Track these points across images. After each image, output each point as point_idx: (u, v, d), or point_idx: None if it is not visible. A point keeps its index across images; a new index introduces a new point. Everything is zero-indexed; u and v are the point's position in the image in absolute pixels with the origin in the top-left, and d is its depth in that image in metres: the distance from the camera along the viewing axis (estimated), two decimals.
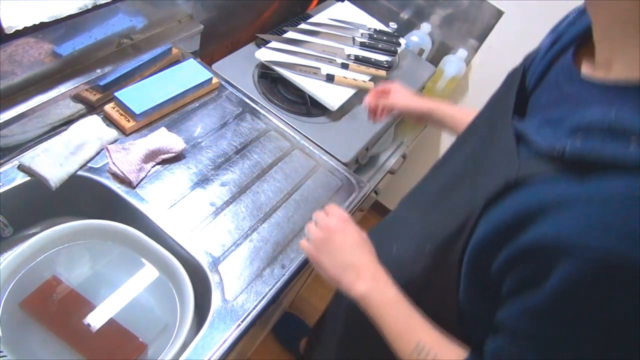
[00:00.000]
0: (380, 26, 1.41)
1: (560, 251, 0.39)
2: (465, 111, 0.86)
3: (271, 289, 0.80)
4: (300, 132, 1.07)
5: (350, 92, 1.18)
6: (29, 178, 0.78)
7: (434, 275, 0.57)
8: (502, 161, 0.48)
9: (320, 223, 0.67)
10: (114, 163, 0.83)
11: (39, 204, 0.82)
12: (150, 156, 0.87)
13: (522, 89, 0.55)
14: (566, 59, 0.50)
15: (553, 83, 0.51)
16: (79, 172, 0.82)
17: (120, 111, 0.91)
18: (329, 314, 0.97)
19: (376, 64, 1.26)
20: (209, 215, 0.85)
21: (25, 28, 0.70)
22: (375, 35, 1.35)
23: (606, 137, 0.39)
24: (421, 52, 1.52)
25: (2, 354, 0.64)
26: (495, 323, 0.47)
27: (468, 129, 0.66)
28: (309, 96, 1.16)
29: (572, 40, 0.51)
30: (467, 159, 0.58)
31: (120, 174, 0.82)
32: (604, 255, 0.36)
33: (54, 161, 0.78)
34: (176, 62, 1.04)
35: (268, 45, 1.21)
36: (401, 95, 0.94)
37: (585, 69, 0.47)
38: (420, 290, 0.59)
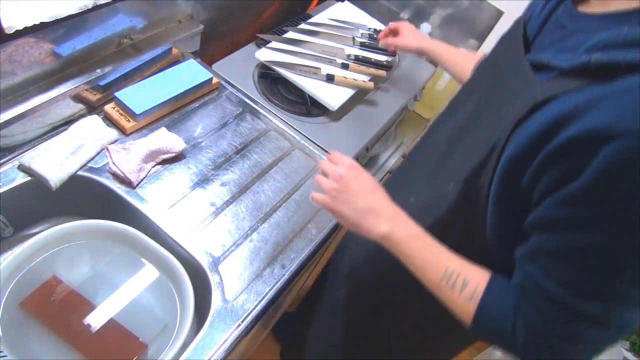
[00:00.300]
0: (380, 26, 1.41)
1: (601, 138, 0.42)
2: (461, 54, 1.00)
3: (271, 289, 0.80)
4: (300, 132, 1.07)
5: (350, 92, 1.18)
6: (29, 178, 0.78)
7: (460, 210, 0.60)
8: (524, 90, 0.52)
9: (331, 174, 0.67)
10: (114, 163, 0.83)
11: (39, 204, 0.82)
12: (150, 156, 0.87)
13: (524, 39, 0.59)
14: (566, 6, 0.55)
15: (555, 26, 0.55)
16: (79, 172, 0.82)
17: (120, 111, 0.91)
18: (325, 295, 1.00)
19: (376, 64, 1.26)
20: (209, 215, 0.85)
21: (25, 28, 0.70)
22: (375, 35, 1.35)
23: (622, 48, 0.44)
24: None
25: (2, 354, 0.64)
26: (530, 225, 0.50)
27: (471, 80, 0.72)
28: (309, 96, 1.16)
29: None
30: (479, 102, 0.63)
31: (121, 174, 0.82)
32: None
33: (54, 161, 0.78)
34: (176, 62, 1.04)
35: (268, 45, 1.21)
36: (405, 36, 1.12)
37: (585, 8, 0.52)
38: (444, 231, 0.62)
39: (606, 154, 0.42)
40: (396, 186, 0.79)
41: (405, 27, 1.14)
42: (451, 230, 0.62)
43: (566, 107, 0.45)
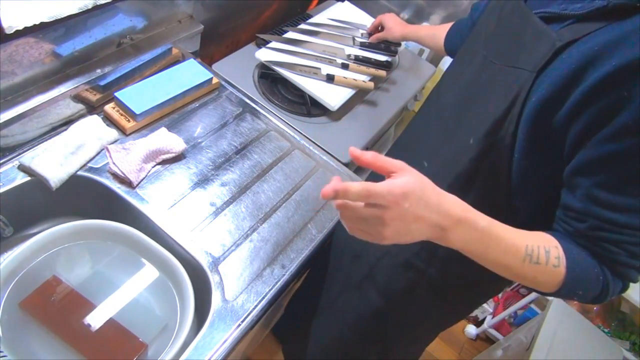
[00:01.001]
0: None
1: (638, 69, 0.44)
2: (436, 27, 1.08)
3: (271, 289, 0.80)
4: (300, 132, 1.07)
5: (350, 92, 1.18)
6: (29, 178, 0.78)
7: (484, 161, 0.61)
8: (539, 40, 0.54)
9: (380, 200, 0.51)
10: (114, 163, 0.83)
11: (39, 204, 0.82)
12: (150, 156, 0.87)
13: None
14: None
15: None
16: (79, 172, 0.82)
17: (121, 111, 0.91)
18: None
19: (376, 64, 1.26)
20: (209, 215, 0.85)
21: (25, 28, 0.70)
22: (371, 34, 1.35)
23: None
24: (421, 52, 1.52)
25: (2, 354, 0.64)
26: (577, 169, 0.52)
27: (470, 45, 0.74)
28: (309, 96, 1.16)
29: None
30: (485, 61, 0.64)
31: (121, 174, 0.82)
32: None
33: (54, 161, 0.78)
34: (176, 62, 1.04)
35: (268, 45, 1.21)
36: (389, 29, 1.23)
37: None
38: (468, 183, 0.64)
39: None
40: (404, 157, 0.73)
41: (388, 19, 1.23)
42: (475, 182, 0.64)
43: (593, 47, 0.48)
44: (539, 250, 0.55)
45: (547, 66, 0.52)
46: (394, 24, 1.22)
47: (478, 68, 0.67)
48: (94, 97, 0.89)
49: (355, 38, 1.31)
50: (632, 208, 0.51)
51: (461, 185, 0.65)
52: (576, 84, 0.49)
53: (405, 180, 0.50)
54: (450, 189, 0.59)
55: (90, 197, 0.84)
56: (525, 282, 0.58)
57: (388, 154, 0.83)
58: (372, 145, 1.24)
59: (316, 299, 1.01)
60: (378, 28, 1.27)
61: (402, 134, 0.90)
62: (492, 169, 0.62)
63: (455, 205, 0.54)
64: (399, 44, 1.36)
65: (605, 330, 1.67)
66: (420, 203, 0.51)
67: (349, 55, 1.25)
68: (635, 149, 0.48)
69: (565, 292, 0.56)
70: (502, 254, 0.56)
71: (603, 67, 0.47)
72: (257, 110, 1.07)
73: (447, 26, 1.07)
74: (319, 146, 1.06)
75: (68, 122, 0.86)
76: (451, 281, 0.78)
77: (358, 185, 0.49)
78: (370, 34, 1.29)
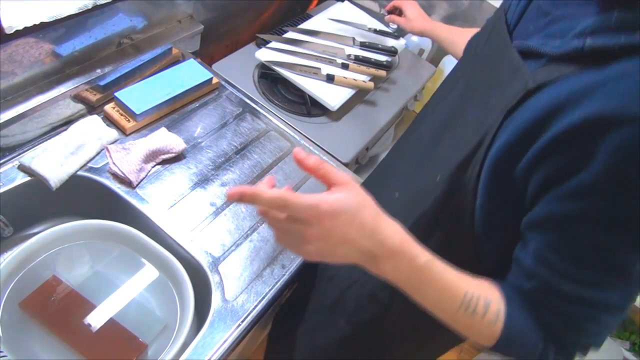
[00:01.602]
0: (380, 26, 1.41)
1: (606, 125, 0.41)
2: (458, 33, 1.02)
3: (271, 289, 0.80)
4: (300, 132, 1.07)
5: (350, 92, 1.18)
6: (29, 178, 0.78)
7: (448, 203, 0.57)
8: (513, 78, 0.50)
9: (303, 217, 0.47)
10: (114, 163, 0.83)
11: (39, 204, 0.82)
12: (150, 156, 0.87)
13: (507, 26, 0.58)
14: None
15: (538, 13, 0.54)
16: (79, 172, 0.82)
17: (120, 111, 0.91)
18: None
19: (376, 64, 1.26)
20: (209, 215, 0.85)
21: (25, 28, 0.70)
22: (375, 35, 1.35)
23: (614, 31, 0.43)
24: (421, 52, 1.52)
25: (2, 354, 0.64)
26: (530, 224, 0.49)
27: (456, 69, 0.70)
28: (309, 96, 1.16)
29: None
30: (465, 91, 0.61)
31: (121, 174, 0.82)
32: None
33: (54, 161, 0.78)
34: (176, 62, 1.04)
35: (268, 45, 1.21)
36: (409, 19, 1.14)
37: None
38: (431, 226, 0.59)
39: (614, 141, 0.40)
40: (380, 182, 0.75)
41: (411, 7, 1.15)
42: (438, 225, 0.59)
43: (561, 94, 0.44)
44: (479, 300, 0.50)
45: (516, 109, 0.48)
46: (417, 16, 1.13)
47: (459, 95, 0.63)
48: (94, 97, 0.89)
49: (355, 38, 1.31)
50: (586, 280, 0.46)
51: (425, 225, 0.60)
52: (539, 134, 0.45)
53: (340, 197, 0.46)
54: (415, 226, 0.57)
55: (90, 197, 0.84)
56: (458, 329, 0.53)
57: (376, 169, 0.81)
58: (372, 145, 1.23)
59: (295, 314, 0.93)
60: (396, 9, 1.19)
61: (389, 153, 0.84)
62: (456, 213, 0.56)
63: (394, 234, 0.49)
64: (398, 45, 1.36)
65: None
66: (351, 225, 0.46)
67: (349, 55, 1.25)
68: (592, 213, 0.43)
69: (498, 350, 0.52)
70: (438, 295, 0.51)
71: (567, 118, 0.43)
72: (257, 110, 1.07)
73: (468, 33, 0.98)
74: (319, 146, 1.06)
75: (68, 122, 0.86)
76: (418, 319, 0.62)
77: (274, 192, 0.45)
78: (388, 13, 1.21)
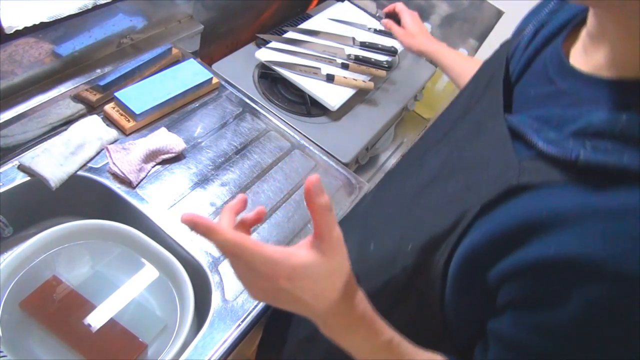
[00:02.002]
0: (380, 26, 1.41)
1: (586, 271, 0.35)
2: (466, 63, 0.90)
3: None
4: (300, 132, 1.07)
5: (350, 92, 1.18)
6: (29, 178, 0.78)
7: (416, 277, 0.51)
8: (498, 160, 0.44)
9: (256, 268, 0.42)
10: (114, 163, 0.83)
11: (39, 204, 0.82)
12: (150, 156, 0.87)
13: (506, 79, 0.52)
14: (554, 48, 0.48)
15: (542, 75, 0.48)
16: (79, 172, 0.82)
17: (120, 111, 0.91)
18: None
19: (376, 64, 1.26)
20: (209, 216, 0.85)
21: (25, 28, 0.70)
22: (375, 35, 1.35)
23: (619, 144, 0.36)
24: None
25: (2, 354, 0.64)
26: (494, 333, 0.44)
27: (446, 117, 0.62)
28: (309, 96, 1.16)
29: (558, 29, 0.50)
30: (452, 152, 0.54)
31: (120, 174, 0.82)
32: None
33: (54, 161, 0.78)
34: (176, 62, 1.04)
35: (268, 45, 1.21)
36: (408, 34, 1.01)
37: (577, 61, 0.45)
38: (401, 292, 0.53)
39: (591, 293, 0.35)
40: (358, 227, 0.67)
41: (411, 19, 1.01)
42: (408, 296, 0.54)
43: (543, 209, 0.38)
44: None
45: (493, 205, 0.42)
46: (418, 32, 1.00)
47: (444, 156, 0.55)
48: (94, 97, 0.89)
49: (355, 38, 1.31)
50: None
51: (395, 291, 0.54)
52: (512, 248, 0.39)
53: (308, 260, 0.41)
54: (386, 288, 0.54)
55: (90, 197, 0.84)
56: None
57: (356, 210, 0.72)
58: (372, 145, 1.23)
59: (286, 324, 0.84)
60: (394, 15, 1.05)
61: (377, 186, 0.75)
62: (425, 290, 0.51)
63: (357, 306, 0.45)
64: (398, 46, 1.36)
65: None
66: (308, 292, 0.42)
67: (349, 55, 1.25)
68: (553, 352, 0.39)
69: None
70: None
71: (545, 247, 0.37)
72: (257, 110, 1.07)
73: (475, 65, 0.81)
74: (319, 146, 1.06)
75: (68, 122, 0.86)
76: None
77: (229, 236, 0.40)
78: (385, 16, 1.06)
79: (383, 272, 0.55)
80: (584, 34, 0.45)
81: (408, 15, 1.02)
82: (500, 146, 0.45)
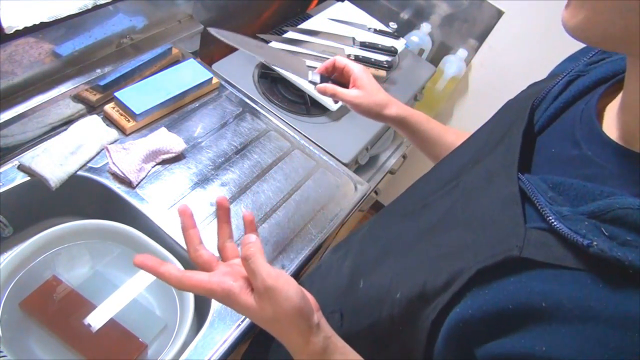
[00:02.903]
0: (380, 26, 1.41)
1: None
2: (445, 131, 0.76)
3: None
4: (300, 132, 1.07)
5: None
6: (29, 178, 0.78)
7: (401, 327, 0.48)
8: (503, 222, 0.40)
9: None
10: (114, 163, 0.83)
11: (39, 204, 0.82)
12: (150, 156, 0.87)
13: (528, 129, 0.47)
14: (587, 106, 0.42)
15: (567, 133, 0.43)
16: (79, 172, 0.82)
17: (120, 111, 0.91)
18: None
19: (376, 64, 1.26)
20: (209, 215, 0.85)
21: (25, 28, 0.70)
22: (375, 35, 1.35)
23: (638, 234, 0.32)
24: (421, 52, 1.52)
25: (2, 354, 0.64)
26: None
27: (458, 156, 0.57)
28: (309, 96, 1.16)
29: (595, 84, 0.45)
30: (457, 201, 0.49)
31: (120, 174, 0.82)
32: None
33: (54, 161, 0.78)
34: (176, 62, 1.04)
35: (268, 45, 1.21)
36: (364, 93, 0.73)
37: (609, 125, 0.40)
38: (385, 339, 0.51)
39: None
40: (352, 257, 0.63)
41: (362, 76, 0.74)
42: (390, 346, 0.51)
43: (543, 297, 0.34)
44: None
45: (491, 273, 0.38)
46: (376, 89, 0.74)
47: (451, 198, 0.50)
48: (94, 97, 0.89)
49: (355, 38, 1.31)
50: None
51: (377, 337, 0.52)
52: (502, 332, 0.36)
53: (243, 302, 0.47)
54: (368, 332, 0.51)
55: (90, 197, 0.84)
56: None
57: (356, 239, 0.67)
58: (372, 145, 1.23)
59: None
60: (331, 72, 0.77)
61: (376, 220, 0.68)
62: (408, 344, 0.48)
63: (313, 344, 0.46)
64: (398, 45, 1.36)
65: None
66: (267, 323, 0.48)
67: (348, 55, 1.25)
68: None
69: None
70: None
71: (535, 340, 0.33)
72: (257, 110, 1.07)
73: (456, 138, 0.72)
74: (319, 146, 1.06)
75: (68, 122, 0.86)
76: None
77: (171, 273, 0.51)
78: (320, 79, 0.76)
79: (368, 314, 0.52)
80: (621, 93, 0.40)
81: (355, 70, 0.74)
82: (508, 207, 0.40)
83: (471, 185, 0.48)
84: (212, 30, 0.79)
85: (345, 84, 0.76)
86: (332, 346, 0.47)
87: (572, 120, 0.43)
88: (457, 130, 0.77)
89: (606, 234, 0.33)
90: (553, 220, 0.36)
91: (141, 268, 0.50)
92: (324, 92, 0.75)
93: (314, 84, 0.76)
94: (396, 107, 0.74)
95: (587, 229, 0.33)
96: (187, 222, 0.53)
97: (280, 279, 0.46)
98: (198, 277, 0.49)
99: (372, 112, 0.74)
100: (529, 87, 0.55)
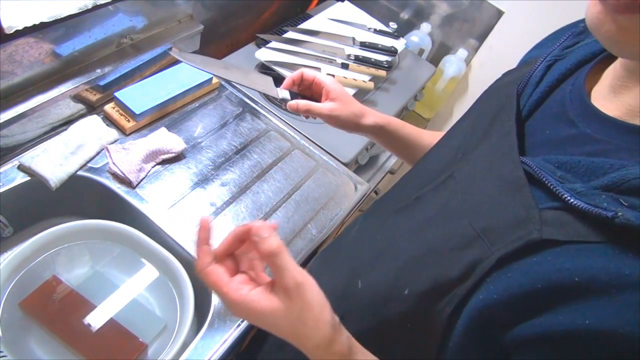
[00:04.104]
0: (380, 26, 1.41)
1: (623, 348, 0.31)
2: (420, 131, 0.76)
3: None
4: (300, 132, 1.07)
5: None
6: (29, 178, 0.78)
7: (412, 324, 0.47)
8: (514, 207, 0.39)
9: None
10: (114, 163, 0.83)
11: (39, 204, 0.82)
12: (150, 156, 0.87)
13: (517, 113, 0.48)
14: (575, 87, 0.43)
15: (560, 115, 0.44)
16: (79, 172, 0.82)
17: (120, 111, 0.91)
18: None
19: (376, 64, 1.26)
20: (209, 215, 0.85)
21: (25, 28, 0.70)
22: (375, 35, 1.35)
23: None
24: (421, 52, 1.52)
25: (2, 354, 0.64)
26: None
27: (443, 149, 0.57)
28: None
29: (576, 66, 0.46)
30: (454, 192, 0.48)
31: (120, 174, 0.82)
32: None
33: (54, 161, 0.78)
34: (176, 62, 1.04)
35: (268, 45, 1.21)
36: (338, 104, 0.72)
37: (601, 103, 0.41)
38: (391, 337, 0.50)
39: None
40: (346, 259, 0.61)
41: (335, 89, 0.72)
42: (397, 344, 0.50)
43: (573, 273, 0.34)
44: None
45: (511, 259, 0.37)
46: (349, 99, 0.73)
47: (447, 190, 0.49)
48: (94, 97, 0.89)
49: (355, 38, 1.31)
50: None
51: (382, 336, 0.50)
52: (534, 313, 0.35)
53: (263, 307, 0.43)
54: (371, 332, 0.50)
55: (90, 197, 0.84)
56: None
57: (348, 239, 0.65)
58: (372, 145, 1.23)
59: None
60: (300, 86, 0.76)
61: (366, 217, 0.66)
62: (418, 340, 0.47)
63: (334, 346, 0.44)
64: (398, 45, 1.36)
65: None
66: (277, 332, 0.45)
67: (349, 55, 1.25)
68: None
69: None
70: None
71: (576, 316, 0.33)
72: (257, 110, 1.07)
73: (432, 139, 0.71)
74: (319, 146, 1.06)
75: (68, 122, 0.86)
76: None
77: (204, 260, 0.46)
78: (290, 97, 0.74)
79: (372, 314, 0.50)
80: (610, 73, 0.42)
81: (331, 80, 0.72)
82: (516, 191, 0.40)
83: (468, 174, 0.48)
84: (174, 53, 0.75)
85: (315, 98, 0.73)
86: (355, 345, 0.46)
87: (561, 102, 0.44)
88: (430, 131, 0.78)
89: (625, 204, 0.33)
90: (569, 198, 0.36)
91: (200, 225, 0.47)
92: (296, 110, 0.72)
93: (285, 101, 0.72)
94: (373, 116, 0.73)
95: (606, 201, 0.33)
96: (203, 235, 0.48)
97: (307, 274, 0.43)
98: (221, 276, 0.45)
99: (349, 124, 0.72)
100: (504, 75, 0.56)
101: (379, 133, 0.75)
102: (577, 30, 0.49)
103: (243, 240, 0.47)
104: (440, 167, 0.53)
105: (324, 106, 0.71)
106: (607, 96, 0.41)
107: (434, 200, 0.50)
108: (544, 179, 0.38)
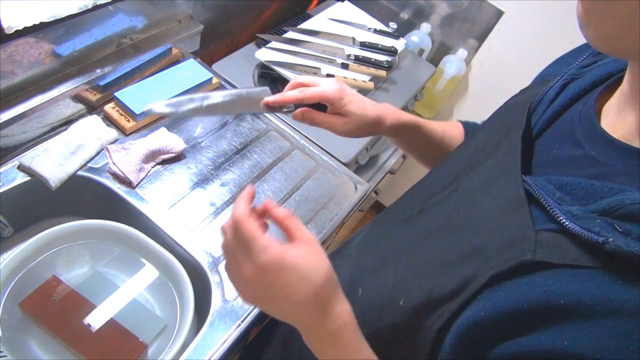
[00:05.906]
0: (380, 26, 1.41)
1: None
2: (446, 124, 0.74)
3: None
4: (300, 132, 1.07)
5: None
6: (29, 178, 0.78)
7: (404, 336, 0.47)
8: (511, 225, 0.39)
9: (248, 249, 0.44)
10: (114, 163, 0.83)
11: (39, 204, 0.82)
12: (150, 156, 0.87)
13: (526, 133, 0.47)
14: (585, 107, 0.43)
15: (567, 135, 0.43)
16: (79, 172, 0.82)
17: (120, 111, 0.91)
18: None
19: (376, 64, 1.26)
20: (209, 215, 0.85)
21: (25, 28, 0.70)
22: (375, 35, 1.35)
23: None
24: (421, 52, 1.52)
25: (2, 354, 0.64)
26: None
27: (454, 161, 0.57)
28: None
29: (591, 86, 0.45)
30: (458, 206, 0.48)
31: (120, 174, 0.82)
32: None
33: (54, 161, 0.78)
34: (176, 62, 1.04)
35: (268, 45, 1.21)
36: (348, 111, 0.69)
37: (609, 124, 0.40)
38: (385, 346, 0.50)
39: None
40: (350, 265, 0.61)
41: (349, 105, 0.68)
42: (391, 355, 0.49)
43: (560, 295, 0.34)
44: None
45: (502, 278, 0.37)
46: (362, 108, 0.68)
47: (451, 203, 0.49)
48: (94, 97, 0.89)
49: (355, 38, 1.31)
50: None
51: (377, 345, 0.49)
52: (519, 331, 0.35)
53: (297, 253, 0.43)
54: (376, 338, 0.49)
55: (90, 197, 0.84)
56: None
57: (353, 245, 0.66)
58: (372, 145, 1.23)
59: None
60: (298, 90, 0.71)
61: (373, 226, 0.66)
62: (410, 352, 0.47)
63: (337, 317, 0.44)
64: (398, 45, 1.36)
65: None
66: (294, 287, 0.42)
67: (349, 55, 1.25)
68: None
69: None
70: None
71: (556, 337, 0.33)
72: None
73: (454, 131, 0.72)
74: (319, 146, 1.06)
75: (68, 122, 0.86)
76: None
77: (241, 212, 0.44)
78: (294, 106, 0.73)
79: (369, 323, 0.50)
80: (618, 92, 0.41)
81: (331, 90, 0.69)
82: (514, 210, 0.40)
83: (472, 190, 0.48)
84: (151, 107, 0.60)
85: (319, 106, 0.69)
86: (353, 321, 0.46)
87: (571, 122, 0.44)
88: (450, 125, 0.75)
89: (620, 230, 0.33)
90: (564, 220, 0.36)
91: (247, 189, 0.47)
92: (300, 119, 0.68)
93: (291, 111, 0.69)
94: (390, 119, 0.69)
95: (600, 226, 0.33)
96: (249, 195, 0.48)
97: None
98: (259, 228, 0.44)
99: (363, 135, 0.70)
100: (521, 92, 0.56)
101: (397, 134, 0.73)
102: (596, 50, 0.48)
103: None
104: (448, 180, 0.53)
105: (332, 121, 0.69)
106: (615, 116, 0.40)
107: (438, 213, 0.50)
108: (542, 199, 0.38)
